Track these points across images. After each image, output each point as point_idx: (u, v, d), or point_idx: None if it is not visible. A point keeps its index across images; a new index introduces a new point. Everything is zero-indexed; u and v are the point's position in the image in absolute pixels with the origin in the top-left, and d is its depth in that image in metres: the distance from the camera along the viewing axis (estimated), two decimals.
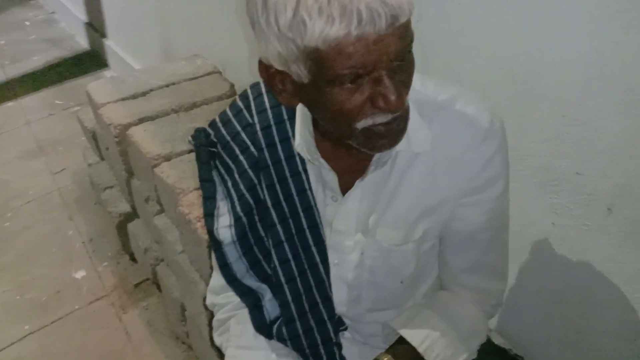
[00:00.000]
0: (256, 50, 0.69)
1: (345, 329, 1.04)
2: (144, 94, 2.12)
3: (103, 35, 3.76)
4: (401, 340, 0.93)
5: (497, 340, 1.36)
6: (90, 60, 3.96)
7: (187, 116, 1.99)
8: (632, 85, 0.92)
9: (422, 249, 0.91)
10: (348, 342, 1.05)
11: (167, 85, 2.17)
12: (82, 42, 4.21)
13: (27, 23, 4.65)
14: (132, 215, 2.26)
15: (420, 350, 0.89)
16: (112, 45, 3.64)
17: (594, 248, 1.10)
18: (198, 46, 2.41)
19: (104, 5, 3.53)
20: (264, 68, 0.71)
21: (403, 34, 0.62)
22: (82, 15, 4.05)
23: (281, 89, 0.73)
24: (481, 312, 0.98)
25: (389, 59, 0.62)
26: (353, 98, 0.66)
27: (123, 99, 2.09)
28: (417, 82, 0.82)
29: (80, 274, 2.29)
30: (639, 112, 0.93)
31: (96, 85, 2.23)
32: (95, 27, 3.87)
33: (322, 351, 0.98)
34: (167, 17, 2.66)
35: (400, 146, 0.78)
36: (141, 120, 1.95)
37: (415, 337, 0.91)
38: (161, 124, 1.93)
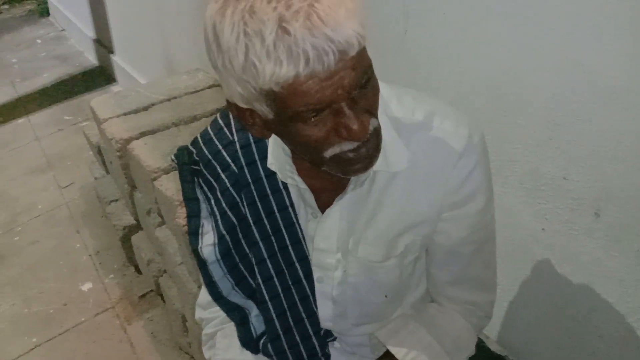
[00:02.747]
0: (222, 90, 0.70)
1: (334, 340, 1.04)
2: (145, 108, 2.16)
3: (110, 51, 3.82)
4: (387, 354, 0.93)
5: (493, 347, 1.35)
6: (99, 76, 4.04)
7: (187, 129, 2.01)
8: (612, 89, 0.92)
9: (405, 262, 0.91)
10: (337, 352, 1.05)
11: (169, 99, 2.21)
12: (90, 58, 4.30)
13: (38, 41, 4.76)
14: (136, 227, 2.29)
15: None
16: (119, 60, 3.70)
17: (583, 252, 1.09)
18: (199, 59, 2.45)
19: (111, 21, 3.60)
20: (233, 106, 0.72)
21: (356, 65, 0.62)
22: (90, 32, 4.13)
23: (252, 123, 0.73)
24: (468, 324, 0.98)
25: (345, 91, 0.63)
26: (317, 130, 0.67)
27: (125, 114, 2.13)
28: (394, 100, 0.83)
29: (86, 287, 2.32)
30: (621, 115, 0.93)
31: (100, 100, 2.27)
32: (103, 43, 3.94)
33: None
34: (168, 31, 2.71)
35: (378, 166, 0.78)
36: (142, 134, 1.98)
37: (399, 350, 0.91)
38: (161, 138, 1.96)
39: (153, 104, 2.18)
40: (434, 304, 1.01)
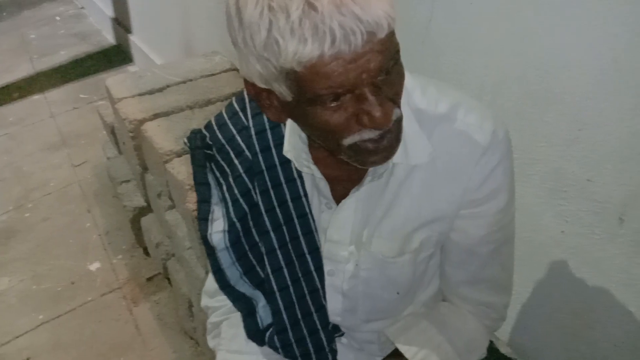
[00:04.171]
0: (240, 68, 0.67)
1: (342, 335, 1.01)
2: (160, 89, 2.14)
3: (128, 30, 3.81)
4: (396, 352, 0.91)
5: (504, 350, 1.32)
6: (116, 55, 4.02)
7: (202, 113, 1.99)
8: None
9: (420, 259, 0.88)
10: (344, 347, 1.02)
11: (184, 82, 2.18)
12: (108, 37, 4.28)
13: (58, 18, 4.75)
14: (146, 209, 2.28)
15: None
16: (136, 40, 3.68)
17: (605, 258, 1.05)
18: (217, 42, 2.42)
19: (130, 0, 3.57)
20: (250, 85, 0.68)
21: (384, 49, 0.58)
22: (109, 11, 4.12)
23: (268, 105, 0.70)
24: (481, 326, 0.95)
25: (370, 76, 0.59)
26: (337, 116, 0.63)
27: (140, 94, 2.11)
28: (418, 90, 0.79)
29: (95, 266, 2.32)
30: None
31: (115, 80, 2.25)
32: (121, 22, 3.92)
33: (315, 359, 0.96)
34: (189, 13, 2.68)
35: (398, 158, 0.75)
36: (156, 116, 1.96)
37: (409, 348, 0.88)
38: (175, 120, 1.94)
39: (168, 86, 2.16)
40: (446, 303, 0.98)
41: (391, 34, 0.59)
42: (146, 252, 2.35)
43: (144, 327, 2.04)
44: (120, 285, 2.23)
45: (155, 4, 3.10)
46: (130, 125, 1.97)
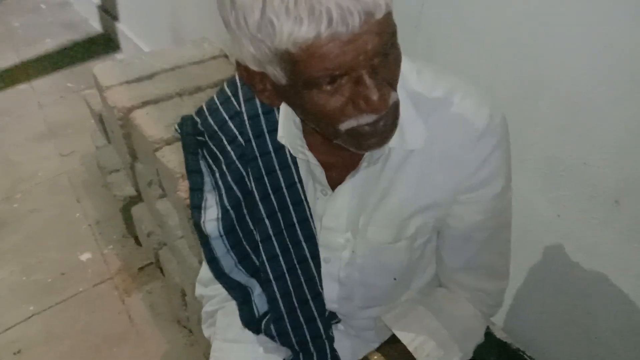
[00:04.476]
0: (232, 51, 0.65)
1: (338, 322, 1.01)
2: (149, 77, 2.10)
3: (115, 18, 3.75)
4: (393, 339, 0.90)
5: (499, 334, 1.32)
6: (103, 44, 3.96)
7: (191, 100, 1.96)
8: (639, 73, 0.87)
9: (416, 245, 0.87)
10: (340, 334, 1.02)
11: (173, 69, 2.15)
12: (95, 26, 4.21)
13: (43, 6, 4.67)
14: (137, 198, 2.25)
15: (410, 348, 0.85)
16: (124, 28, 3.63)
17: (600, 242, 1.05)
18: (206, 29, 2.38)
19: None
20: (243, 69, 0.66)
21: (382, 30, 0.57)
22: None
23: (262, 88, 0.69)
24: (478, 312, 0.94)
25: (368, 58, 0.58)
26: (333, 100, 0.62)
27: (128, 82, 2.07)
28: (414, 74, 0.78)
29: (85, 257, 2.30)
30: None
31: (103, 67, 2.21)
32: (108, 10, 3.86)
33: (312, 348, 0.95)
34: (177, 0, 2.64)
35: (393, 143, 0.74)
36: (145, 104, 1.93)
37: (406, 335, 0.88)
38: (164, 108, 1.91)
39: (157, 73, 2.12)
40: (443, 289, 0.98)
41: (388, 15, 0.57)
42: (137, 242, 2.33)
43: (137, 317, 2.03)
44: (111, 275, 2.21)
45: None
46: (119, 114, 1.94)
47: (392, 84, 0.65)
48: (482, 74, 1.15)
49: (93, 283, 2.18)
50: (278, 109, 0.82)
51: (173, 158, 1.67)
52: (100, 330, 2.00)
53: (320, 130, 0.71)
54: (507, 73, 1.10)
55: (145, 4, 3.09)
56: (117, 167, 2.40)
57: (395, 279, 0.91)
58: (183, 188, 1.54)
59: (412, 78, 0.77)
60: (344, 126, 0.65)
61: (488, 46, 1.12)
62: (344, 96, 0.62)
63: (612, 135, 0.96)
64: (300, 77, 0.59)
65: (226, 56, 2.24)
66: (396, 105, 0.67)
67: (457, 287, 0.95)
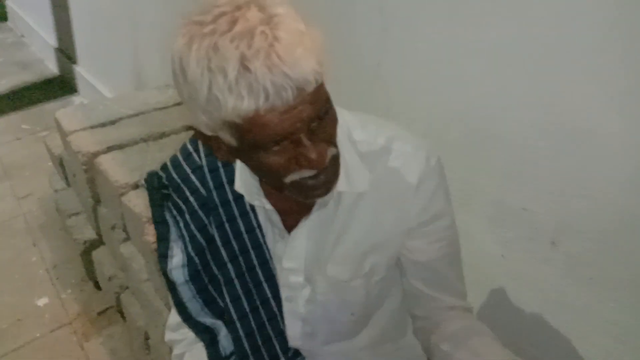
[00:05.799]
0: (189, 118, 0.74)
1: (303, 359, 1.06)
2: (113, 122, 2.15)
3: (73, 61, 3.76)
4: None
5: None
6: (59, 86, 3.96)
7: (156, 145, 2.01)
8: (580, 131, 0.99)
9: (372, 282, 0.95)
10: None
11: (137, 115, 2.20)
12: (51, 67, 4.21)
13: None
14: (98, 242, 2.25)
15: None
16: (82, 71, 3.64)
17: (541, 279, 1.16)
18: (168, 76, 2.44)
19: (75, 31, 3.54)
20: (199, 133, 0.75)
21: (314, 100, 0.66)
22: (52, 41, 4.05)
23: (217, 148, 0.77)
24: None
25: (304, 124, 0.67)
26: (277, 158, 0.71)
27: (92, 127, 2.11)
28: (358, 127, 0.89)
29: (42, 302, 2.26)
30: (583, 153, 1.00)
31: (65, 112, 2.24)
32: (65, 52, 3.87)
33: None
34: (140, 46, 2.70)
35: (342, 187, 0.84)
36: (110, 149, 1.97)
37: None
38: (130, 153, 1.95)
39: (121, 118, 2.17)
40: (475, 339, 0.94)
41: (320, 86, 0.68)
42: (97, 286, 2.31)
43: None
44: (70, 320, 2.18)
45: (103, 36, 3.09)
46: (83, 158, 1.96)
47: (330, 140, 0.75)
48: (435, 125, 1.27)
49: (50, 328, 2.14)
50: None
51: (139, 202, 1.71)
52: None
53: (268, 183, 0.81)
54: (459, 123, 1.21)
55: (105, 48, 3.13)
56: (77, 210, 2.39)
57: (352, 314, 0.98)
58: (150, 232, 1.58)
59: (356, 130, 0.88)
60: (289, 179, 0.74)
61: (440, 100, 1.24)
62: (287, 155, 0.71)
63: (551, 185, 1.08)
64: (248, 141, 0.69)
65: None
66: (336, 158, 0.78)
67: (461, 312, 0.98)
